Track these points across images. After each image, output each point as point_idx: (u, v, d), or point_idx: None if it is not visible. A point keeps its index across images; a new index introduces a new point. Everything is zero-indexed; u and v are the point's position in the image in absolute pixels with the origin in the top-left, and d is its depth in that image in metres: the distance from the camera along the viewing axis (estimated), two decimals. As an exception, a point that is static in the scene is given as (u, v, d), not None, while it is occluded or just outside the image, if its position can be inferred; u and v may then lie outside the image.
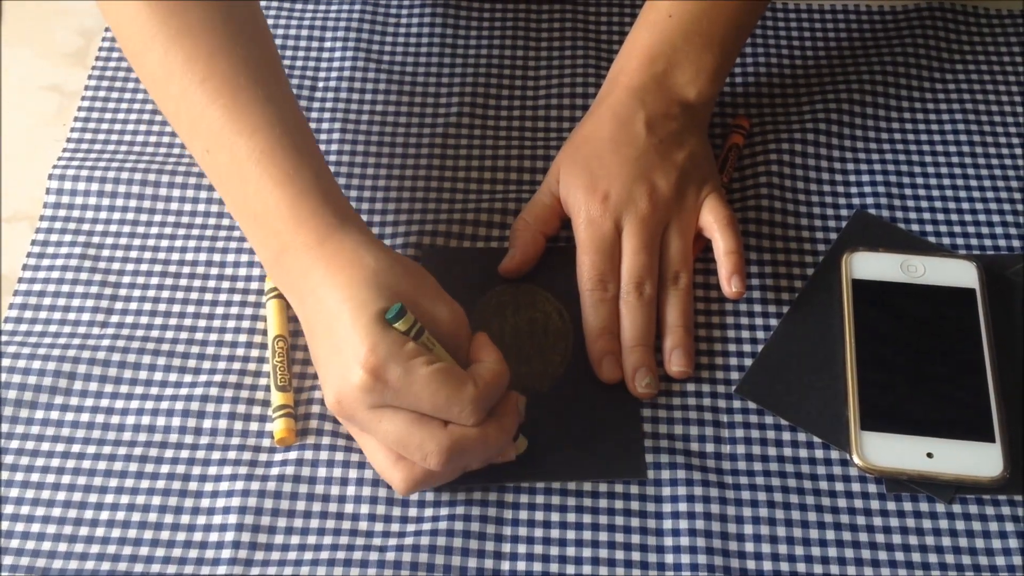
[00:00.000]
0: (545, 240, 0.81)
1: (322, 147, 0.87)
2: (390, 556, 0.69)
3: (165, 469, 0.72)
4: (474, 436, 0.66)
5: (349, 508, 0.71)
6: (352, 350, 0.64)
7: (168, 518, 0.70)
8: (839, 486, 0.72)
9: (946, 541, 0.70)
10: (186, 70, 0.70)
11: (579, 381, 0.76)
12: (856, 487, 0.72)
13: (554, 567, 0.68)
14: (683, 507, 0.70)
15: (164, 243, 0.82)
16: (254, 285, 0.80)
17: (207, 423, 0.74)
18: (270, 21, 0.94)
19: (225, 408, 0.74)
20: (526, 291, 0.79)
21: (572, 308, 0.78)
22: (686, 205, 0.79)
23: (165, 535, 0.69)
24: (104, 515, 0.70)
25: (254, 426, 0.74)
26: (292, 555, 0.69)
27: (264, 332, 0.77)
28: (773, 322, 0.78)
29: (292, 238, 0.69)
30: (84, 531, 0.69)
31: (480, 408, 0.66)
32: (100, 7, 0.75)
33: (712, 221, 0.79)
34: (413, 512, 0.71)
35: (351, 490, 0.71)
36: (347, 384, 0.64)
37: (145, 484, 0.71)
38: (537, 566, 0.68)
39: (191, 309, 0.79)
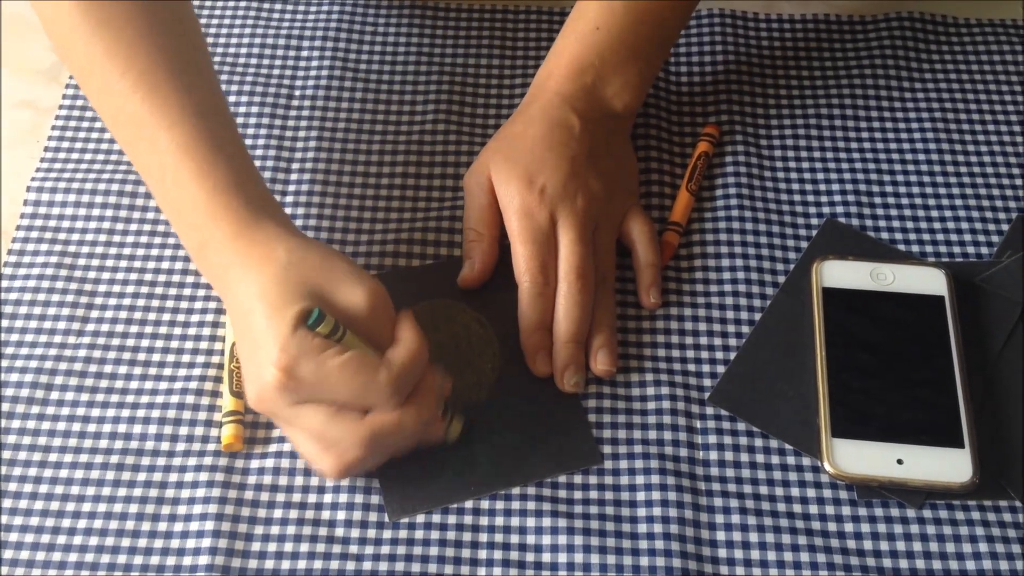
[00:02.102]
0: (499, 246, 0.81)
1: (298, 155, 0.87)
2: (367, 565, 0.69)
3: (142, 477, 0.72)
4: (391, 422, 0.67)
5: (326, 515, 0.71)
6: (265, 350, 0.65)
7: (145, 526, 0.70)
8: (811, 493, 0.73)
9: (916, 546, 0.70)
10: (106, 62, 0.70)
11: (514, 383, 0.76)
12: (827, 494, 0.72)
13: (530, 573, 0.69)
14: (657, 512, 0.71)
15: (140, 252, 0.82)
16: (230, 293, 0.80)
17: (183, 431, 0.74)
18: (247, 29, 0.94)
19: (201, 416, 0.74)
20: (442, 306, 0.79)
21: (489, 313, 0.79)
22: (613, 210, 0.81)
23: (142, 543, 0.69)
24: (81, 523, 0.70)
25: (231, 434, 0.74)
26: (269, 563, 0.69)
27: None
28: (745, 330, 0.79)
29: (211, 232, 0.69)
30: (62, 540, 0.69)
31: (397, 391, 0.66)
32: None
33: (638, 233, 0.81)
34: (389, 518, 0.71)
35: (328, 497, 0.71)
36: (264, 384, 0.65)
37: (122, 492, 0.71)
38: (513, 572, 0.69)
39: (167, 317, 0.79)
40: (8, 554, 0.69)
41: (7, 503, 0.71)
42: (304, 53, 0.93)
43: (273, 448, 0.73)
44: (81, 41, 0.71)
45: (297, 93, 0.91)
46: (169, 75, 0.71)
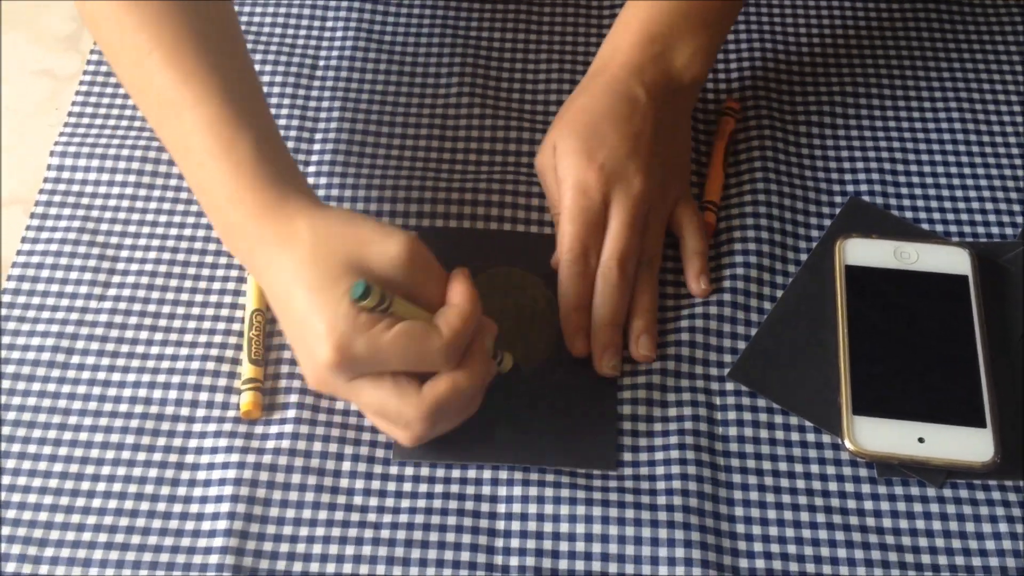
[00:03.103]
0: None
1: (321, 125, 0.87)
2: (385, 533, 0.69)
3: (161, 442, 0.72)
4: (448, 390, 0.66)
5: (344, 483, 0.71)
6: (313, 332, 0.64)
7: (165, 490, 0.70)
8: (831, 470, 0.72)
9: (936, 525, 0.70)
10: (134, 40, 0.70)
11: (561, 368, 0.76)
12: (847, 471, 0.72)
13: (547, 544, 0.69)
14: (677, 485, 0.71)
15: (162, 218, 0.82)
16: (251, 261, 0.80)
17: (203, 396, 0.74)
18: (272, 1, 0.94)
19: (222, 382, 0.75)
20: (518, 275, 0.79)
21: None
22: (667, 196, 0.80)
23: (162, 507, 0.70)
24: (101, 486, 0.70)
25: (249, 400, 0.74)
26: (287, 530, 0.69)
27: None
28: (767, 306, 0.79)
29: (235, 212, 0.69)
30: (81, 502, 0.70)
31: (450, 356, 0.66)
32: None
33: (687, 222, 0.81)
34: (407, 487, 0.71)
35: (346, 465, 0.72)
36: (318, 365, 0.65)
37: (142, 456, 0.72)
38: (530, 543, 0.69)
39: (188, 284, 0.79)
40: (27, 515, 0.69)
41: (27, 464, 0.71)
42: (329, 24, 0.93)
43: (291, 414, 0.73)
44: (112, 18, 0.71)
45: (321, 63, 0.91)
46: (197, 53, 0.70)
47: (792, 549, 0.69)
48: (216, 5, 0.74)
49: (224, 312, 0.78)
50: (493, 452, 0.72)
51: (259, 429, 0.73)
